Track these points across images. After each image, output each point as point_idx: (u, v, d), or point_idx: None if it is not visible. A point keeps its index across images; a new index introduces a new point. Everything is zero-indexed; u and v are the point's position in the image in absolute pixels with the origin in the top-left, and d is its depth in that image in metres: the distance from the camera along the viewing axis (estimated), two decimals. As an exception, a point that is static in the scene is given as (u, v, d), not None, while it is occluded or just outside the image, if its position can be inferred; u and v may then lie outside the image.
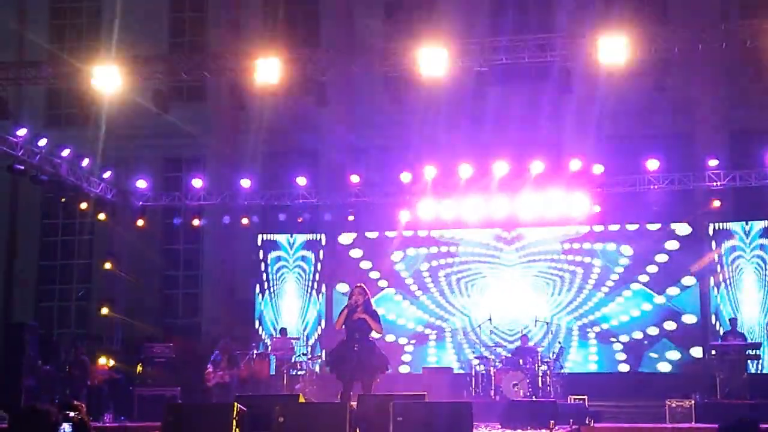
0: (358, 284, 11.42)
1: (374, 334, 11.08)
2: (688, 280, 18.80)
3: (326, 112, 18.99)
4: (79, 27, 23.64)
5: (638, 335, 18.92)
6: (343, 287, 19.17)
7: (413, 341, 19.79)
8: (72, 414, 5.15)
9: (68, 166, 17.94)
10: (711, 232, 18.91)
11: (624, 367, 18.92)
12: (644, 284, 18.99)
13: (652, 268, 18.98)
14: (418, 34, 16.78)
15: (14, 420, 4.86)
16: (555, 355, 17.21)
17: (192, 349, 19.00)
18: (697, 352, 18.49)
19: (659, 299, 18.87)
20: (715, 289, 18.71)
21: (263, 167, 20.84)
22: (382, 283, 19.88)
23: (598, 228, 19.26)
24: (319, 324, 20.07)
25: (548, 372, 16.62)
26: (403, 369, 19.39)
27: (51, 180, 17.73)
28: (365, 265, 20.09)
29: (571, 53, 14.55)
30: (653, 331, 18.85)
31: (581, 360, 19.09)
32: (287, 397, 12.71)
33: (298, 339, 19.05)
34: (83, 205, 18.74)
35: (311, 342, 19.81)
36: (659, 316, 18.86)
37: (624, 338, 18.99)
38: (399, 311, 19.86)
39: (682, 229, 18.90)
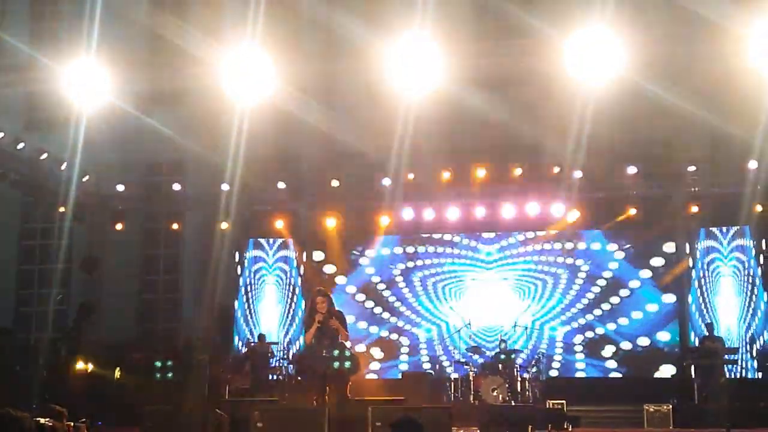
0: (319, 289, 11.30)
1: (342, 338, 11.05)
2: (666, 288, 18.94)
3: (306, 117, 18.94)
4: (59, 30, 23.45)
5: (619, 341, 19.04)
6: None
7: (383, 349, 19.80)
8: (43, 420, 5.13)
9: (47, 170, 17.82)
10: (688, 239, 19.05)
11: (603, 372, 18.98)
12: (627, 291, 19.13)
13: (634, 276, 19.13)
14: (397, 39, 16.74)
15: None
16: (539, 361, 17.27)
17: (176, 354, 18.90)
18: (676, 358, 18.55)
19: (643, 306, 19.01)
20: (692, 296, 18.82)
21: (243, 172, 20.74)
22: (353, 289, 20.01)
23: (576, 233, 19.34)
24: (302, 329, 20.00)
25: (527, 377, 16.67)
26: (377, 375, 19.39)
27: (30, 184, 17.62)
28: (340, 271, 20.18)
29: (552, 58, 14.57)
30: (635, 337, 18.97)
31: (562, 365, 19.15)
32: (266, 403, 12.69)
33: (276, 344, 18.99)
34: (62, 209, 18.62)
35: (294, 348, 19.72)
36: (641, 323, 18.97)
37: (605, 344, 19.09)
38: (371, 318, 19.89)
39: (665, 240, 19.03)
